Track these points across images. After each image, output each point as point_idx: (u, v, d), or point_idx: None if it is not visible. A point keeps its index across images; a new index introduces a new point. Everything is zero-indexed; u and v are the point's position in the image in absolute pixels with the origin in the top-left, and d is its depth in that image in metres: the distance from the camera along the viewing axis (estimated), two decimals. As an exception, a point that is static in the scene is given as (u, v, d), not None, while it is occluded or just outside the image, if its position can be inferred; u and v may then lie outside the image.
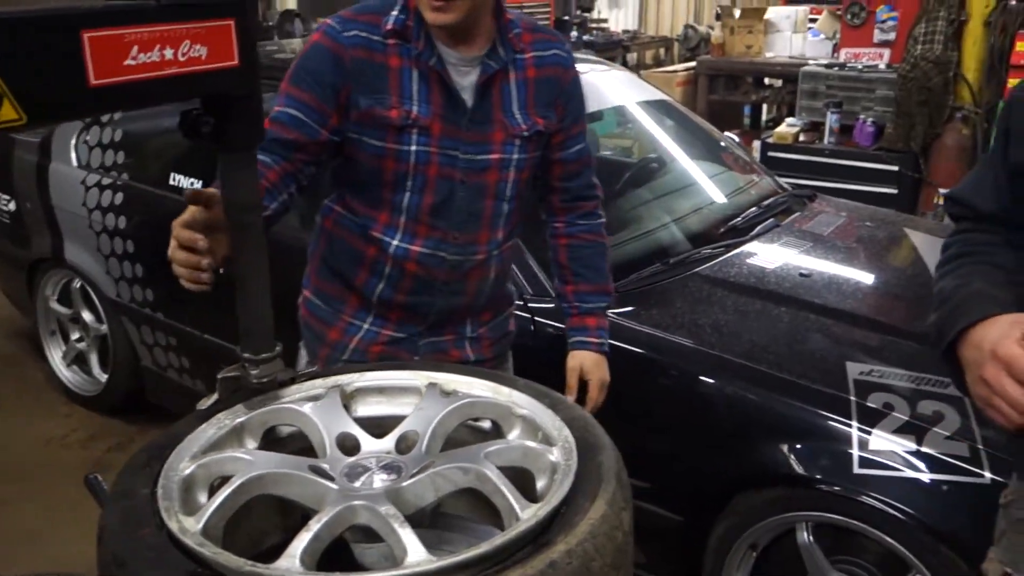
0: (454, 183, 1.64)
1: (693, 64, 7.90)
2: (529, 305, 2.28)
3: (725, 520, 2.07)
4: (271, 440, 1.25)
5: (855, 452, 1.89)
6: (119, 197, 3.15)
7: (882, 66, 5.47)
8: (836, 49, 6.13)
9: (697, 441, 2.11)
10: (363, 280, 1.73)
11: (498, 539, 0.94)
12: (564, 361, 1.92)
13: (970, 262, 1.28)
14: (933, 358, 2.09)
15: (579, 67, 3.19)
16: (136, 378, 3.36)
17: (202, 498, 1.09)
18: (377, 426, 1.24)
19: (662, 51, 11.11)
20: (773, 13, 7.19)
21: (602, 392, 1.92)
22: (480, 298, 1.78)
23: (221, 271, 1.26)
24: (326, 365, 1.70)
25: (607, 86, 3.26)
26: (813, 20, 7.09)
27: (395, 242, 1.67)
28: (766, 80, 7.28)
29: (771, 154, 5.50)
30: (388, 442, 1.20)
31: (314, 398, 1.27)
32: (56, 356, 3.67)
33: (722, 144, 3.51)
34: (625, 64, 9.24)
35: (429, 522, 1.14)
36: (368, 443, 1.20)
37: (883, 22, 5.45)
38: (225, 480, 1.08)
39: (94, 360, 3.55)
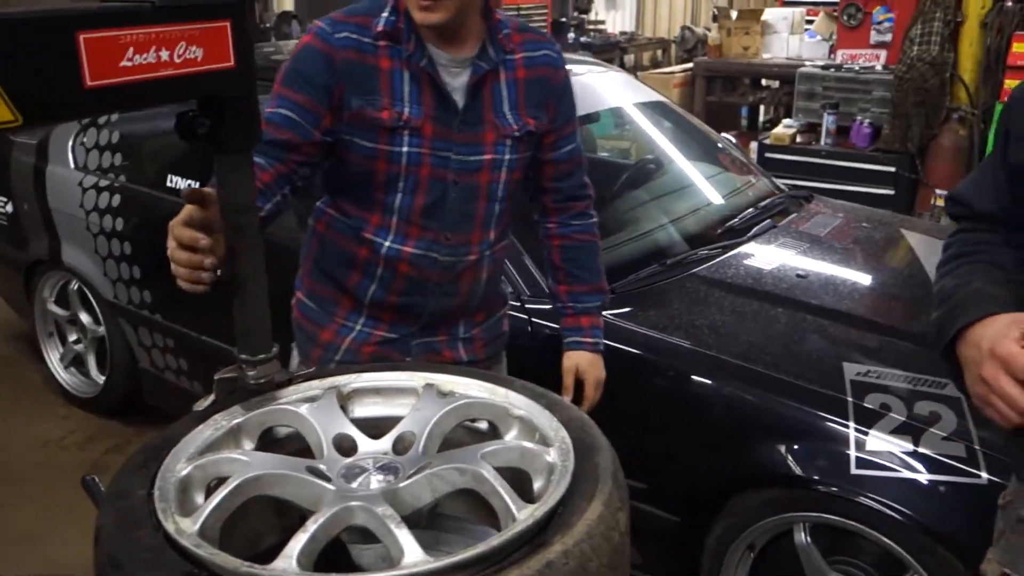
0: (446, 184, 1.64)
1: (690, 66, 7.91)
2: (526, 306, 2.28)
3: (722, 521, 2.07)
4: (268, 441, 1.25)
5: (852, 453, 1.89)
6: (116, 199, 3.15)
7: (879, 67, 5.48)
8: (833, 50, 6.14)
9: (694, 442, 2.12)
10: (355, 281, 1.73)
11: (495, 540, 0.94)
12: (561, 362, 1.93)
13: (970, 262, 1.29)
14: (930, 359, 2.10)
15: (576, 69, 3.24)
16: (134, 380, 3.35)
17: (199, 499, 1.09)
18: (374, 427, 1.24)
19: (659, 53, 11.12)
20: (770, 15, 7.19)
21: (598, 390, 1.93)
22: (473, 299, 1.79)
23: (219, 272, 1.26)
24: (318, 366, 1.70)
25: (604, 88, 3.27)
26: (810, 21, 7.09)
27: (387, 243, 1.68)
28: (763, 81, 7.29)
29: (768, 155, 5.51)
30: (385, 443, 1.20)
31: (311, 399, 1.27)
32: (54, 358, 3.67)
33: (719, 145, 3.51)
34: (622, 66, 9.24)
35: (426, 523, 1.14)
36: (365, 444, 1.20)
37: (879, 23, 5.46)
38: (222, 481, 1.08)
39: (92, 362, 3.55)
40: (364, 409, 1.31)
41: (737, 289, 2.46)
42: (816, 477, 1.92)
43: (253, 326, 1.24)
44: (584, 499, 1.03)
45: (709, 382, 2.11)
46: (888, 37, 5.45)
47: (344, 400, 1.29)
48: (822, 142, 5.47)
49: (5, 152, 3.61)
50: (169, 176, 3.02)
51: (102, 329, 3.39)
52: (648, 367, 2.17)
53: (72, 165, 3.33)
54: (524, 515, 1.00)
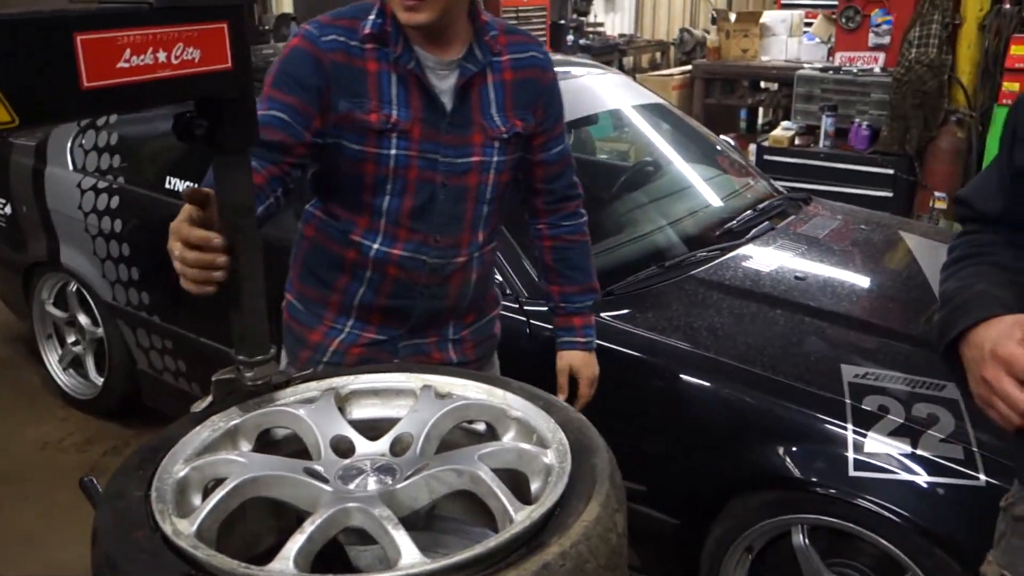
0: (435, 186, 1.64)
1: (689, 68, 7.92)
2: (525, 308, 2.28)
3: (721, 523, 2.07)
4: (265, 442, 1.24)
5: (850, 455, 1.89)
6: (115, 201, 3.15)
7: (877, 70, 5.49)
8: (831, 53, 6.15)
9: (692, 444, 2.12)
10: (344, 284, 1.73)
11: (492, 541, 0.94)
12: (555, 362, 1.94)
13: (974, 263, 1.29)
14: (928, 360, 2.12)
15: (575, 71, 3.24)
16: (132, 381, 3.35)
17: (196, 500, 1.09)
18: (372, 428, 1.24)
19: (658, 55, 11.13)
20: (768, 17, 7.20)
21: (591, 388, 1.96)
22: (462, 301, 1.79)
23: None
24: (306, 367, 1.70)
25: (603, 90, 3.27)
26: (808, 24, 7.10)
27: (375, 246, 1.68)
28: (762, 84, 7.29)
29: (767, 157, 5.51)
30: (382, 444, 1.20)
31: (309, 401, 1.27)
32: (52, 360, 3.67)
33: (718, 148, 3.52)
34: (621, 68, 9.25)
35: (423, 524, 1.14)
36: (363, 445, 1.20)
37: (878, 26, 5.46)
38: (219, 482, 1.08)
39: (90, 364, 3.55)
40: (362, 411, 1.31)
41: (735, 291, 2.46)
42: (814, 479, 1.92)
43: (251, 328, 1.24)
44: (581, 501, 1.03)
45: (707, 384, 2.11)
46: (886, 40, 5.45)
47: (342, 402, 1.29)
48: (820, 144, 5.48)
49: (4, 154, 3.61)
50: (168, 178, 3.02)
51: (101, 331, 3.39)
52: (646, 369, 2.17)
53: (71, 167, 3.34)
54: (521, 516, 1.00)
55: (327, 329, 1.77)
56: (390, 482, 1.09)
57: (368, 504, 1.02)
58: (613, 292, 2.38)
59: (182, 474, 1.09)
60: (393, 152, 1.60)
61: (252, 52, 1.12)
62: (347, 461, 1.15)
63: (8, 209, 3.63)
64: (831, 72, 5.65)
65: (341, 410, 1.26)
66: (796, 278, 2.57)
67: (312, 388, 1.30)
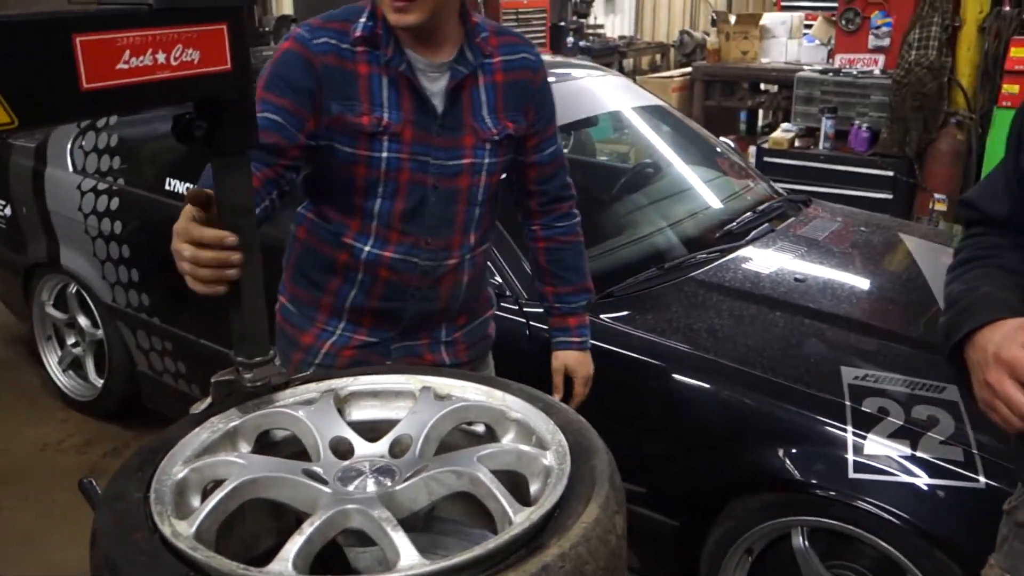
0: (426, 188, 1.64)
1: (689, 70, 7.92)
2: (524, 310, 2.28)
3: (720, 525, 2.07)
4: (265, 444, 1.24)
5: (850, 457, 1.89)
6: (115, 202, 3.15)
7: (877, 72, 5.49)
8: (831, 55, 6.15)
9: (692, 445, 2.11)
10: (336, 286, 1.73)
11: (491, 543, 0.94)
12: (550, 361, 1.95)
13: (980, 266, 1.29)
14: (927, 362, 2.12)
15: (575, 73, 3.25)
16: (132, 383, 3.35)
17: (195, 502, 1.09)
18: (371, 430, 1.24)
19: (658, 57, 11.14)
20: (768, 19, 7.20)
21: (586, 387, 1.98)
22: (454, 303, 1.79)
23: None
24: (298, 369, 1.70)
25: (603, 92, 3.27)
26: (808, 26, 7.11)
27: (367, 248, 1.68)
28: (762, 86, 7.29)
29: (767, 159, 5.51)
30: (382, 446, 1.20)
31: (308, 402, 1.27)
32: (52, 361, 3.67)
33: (717, 149, 3.52)
34: (621, 70, 9.26)
35: (423, 526, 1.14)
36: (362, 447, 1.20)
37: (877, 28, 5.47)
38: (218, 484, 1.08)
39: (90, 365, 3.55)
40: (361, 412, 1.31)
41: (735, 293, 2.46)
42: (814, 481, 1.92)
43: (250, 329, 1.24)
44: (581, 502, 1.03)
45: (707, 386, 2.11)
46: (886, 42, 5.46)
47: (341, 403, 1.29)
48: (820, 146, 5.48)
49: (4, 155, 3.61)
50: (168, 179, 3.02)
51: (100, 332, 3.39)
52: (646, 370, 2.17)
53: (71, 168, 3.34)
54: (520, 518, 1.00)
55: (319, 331, 1.77)
56: (389, 484, 1.09)
57: (367, 506, 1.02)
58: (613, 294, 2.38)
59: (181, 475, 1.09)
60: (384, 155, 1.60)
61: (252, 54, 1.12)
62: (346, 463, 1.15)
63: (8, 210, 3.63)
64: (831, 74, 5.66)
65: (340, 412, 1.26)
66: (796, 280, 2.57)
67: (311, 390, 1.30)
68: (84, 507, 1.22)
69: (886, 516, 1.83)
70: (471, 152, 1.66)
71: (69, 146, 3.36)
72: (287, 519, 1.20)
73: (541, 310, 2.20)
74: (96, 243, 3.19)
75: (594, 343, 2.15)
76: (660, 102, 3.56)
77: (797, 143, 5.59)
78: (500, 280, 2.34)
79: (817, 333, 2.31)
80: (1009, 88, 4.75)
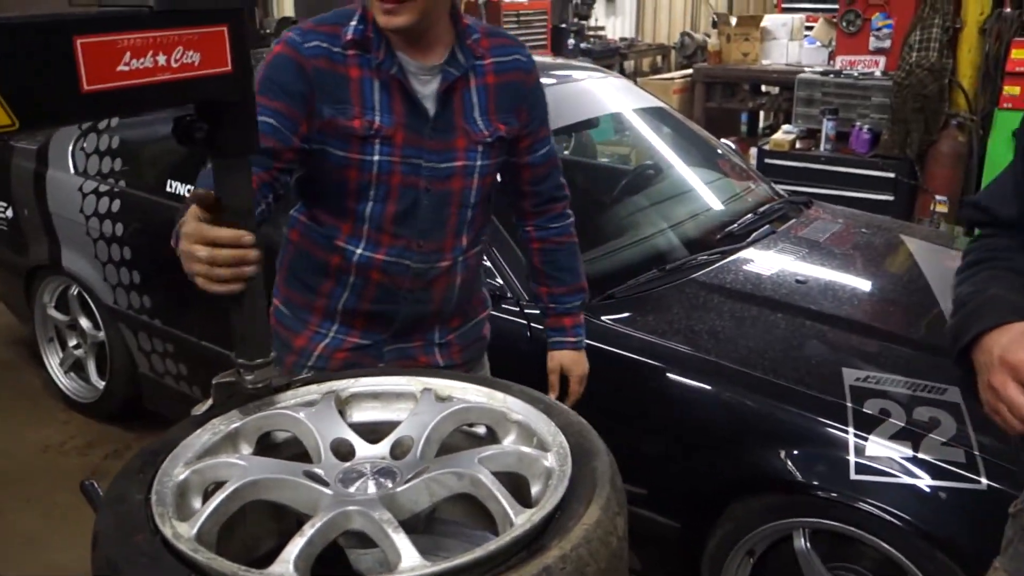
0: (418, 191, 1.64)
1: (690, 72, 7.92)
2: (525, 311, 2.28)
3: (722, 526, 2.07)
4: (266, 446, 1.24)
5: (852, 458, 1.89)
6: (116, 204, 3.15)
7: (878, 73, 5.49)
8: (832, 56, 6.15)
9: (693, 447, 2.11)
10: (328, 289, 1.74)
11: (492, 544, 0.94)
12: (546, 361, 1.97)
13: (988, 268, 1.29)
14: (929, 364, 2.11)
15: (576, 74, 3.25)
16: (133, 385, 3.35)
17: (196, 504, 1.09)
18: (372, 431, 1.24)
19: (659, 59, 11.13)
20: (769, 21, 7.21)
21: (582, 385, 1.99)
22: (447, 305, 1.79)
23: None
24: (292, 372, 1.70)
25: (604, 93, 3.27)
26: (809, 28, 7.11)
27: (359, 251, 1.68)
28: (763, 87, 7.30)
29: (768, 161, 5.50)
30: (383, 447, 1.20)
31: (309, 404, 1.27)
32: (54, 363, 3.67)
33: (718, 151, 3.52)
34: (622, 72, 9.26)
35: (424, 527, 1.14)
36: (363, 448, 1.20)
37: (878, 30, 5.46)
38: (219, 486, 1.08)
39: (92, 367, 3.55)
40: (362, 414, 1.31)
41: (736, 294, 2.46)
42: (816, 483, 1.92)
43: (251, 331, 1.24)
44: (582, 504, 1.03)
45: (708, 387, 2.11)
46: (887, 43, 5.45)
47: (342, 405, 1.29)
48: (821, 148, 5.47)
49: (6, 157, 3.62)
50: (169, 181, 3.02)
51: (102, 334, 3.39)
52: (647, 372, 2.17)
53: (72, 170, 3.34)
54: (521, 520, 1.00)
55: (312, 334, 1.77)
56: (390, 485, 1.09)
57: (368, 507, 1.02)
58: (614, 295, 2.38)
59: (182, 477, 1.09)
60: (376, 158, 1.60)
61: (252, 56, 1.13)
62: (347, 464, 1.15)
63: (10, 212, 3.63)
64: (832, 76, 5.65)
65: (341, 413, 1.27)
66: (797, 281, 2.57)
67: (312, 391, 1.30)
68: (85, 508, 1.23)
69: (887, 517, 1.83)
70: (463, 154, 1.66)
71: (71, 148, 3.37)
72: (288, 521, 1.20)
73: (541, 311, 2.21)
74: (97, 245, 3.19)
75: (595, 344, 2.15)
76: (661, 104, 3.56)
77: (798, 145, 5.59)
78: (501, 281, 2.34)
79: (818, 335, 2.31)
80: (1010, 90, 4.75)
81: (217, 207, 1.19)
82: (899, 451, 1.88)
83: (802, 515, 1.97)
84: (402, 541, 0.97)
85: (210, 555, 0.94)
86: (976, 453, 1.84)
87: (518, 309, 2.29)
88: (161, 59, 0.97)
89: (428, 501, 1.08)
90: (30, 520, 2.90)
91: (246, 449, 1.21)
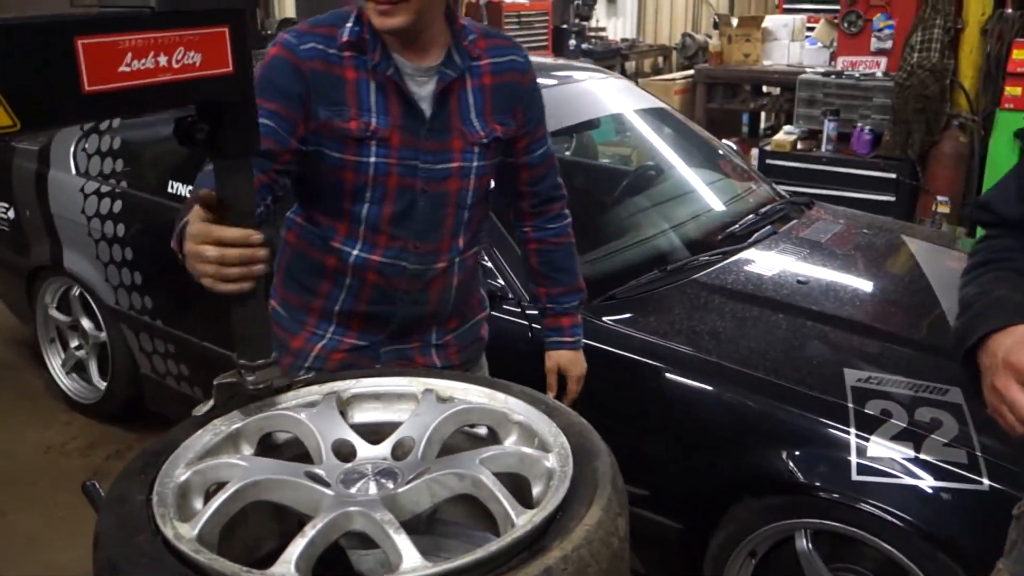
0: (415, 193, 1.64)
1: (691, 72, 7.92)
2: (527, 312, 2.28)
3: (724, 527, 2.06)
4: (267, 446, 1.24)
5: (853, 459, 1.89)
6: (118, 205, 3.15)
7: (879, 74, 5.49)
8: (833, 57, 6.15)
9: (694, 448, 2.11)
10: (325, 290, 1.74)
11: (493, 545, 0.94)
12: (544, 361, 1.97)
13: (994, 269, 1.29)
14: (930, 365, 2.11)
15: (577, 75, 3.25)
16: (135, 386, 3.35)
17: (198, 504, 1.09)
18: (373, 432, 1.24)
19: (660, 60, 11.13)
20: (771, 22, 7.21)
21: (579, 384, 1.99)
22: (444, 306, 1.79)
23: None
24: (288, 373, 1.70)
25: (605, 94, 3.27)
26: (810, 29, 7.11)
27: (355, 252, 1.68)
28: (764, 88, 7.29)
29: (769, 162, 5.50)
30: (384, 448, 1.20)
31: (310, 404, 1.27)
32: (55, 364, 3.67)
33: (720, 152, 3.52)
34: (623, 72, 9.26)
35: (425, 528, 1.14)
36: (364, 449, 1.20)
37: (880, 30, 5.46)
38: (221, 486, 1.08)
39: (93, 368, 3.55)
40: (363, 414, 1.31)
41: (738, 295, 2.46)
42: (817, 484, 1.91)
43: (252, 331, 1.24)
44: (583, 504, 1.03)
45: (709, 388, 2.11)
46: (888, 44, 5.45)
47: (343, 405, 1.29)
48: (823, 149, 5.47)
49: (7, 158, 3.62)
50: (170, 182, 3.03)
51: (103, 335, 3.39)
52: (648, 372, 2.17)
53: (74, 171, 3.34)
54: (523, 520, 0.99)
55: (309, 335, 1.77)
56: (391, 486, 1.09)
57: (370, 508, 1.02)
58: (615, 296, 2.38)
59: (184, 478, 1.09)
60: (373, 160, 1.60)
61: (253, 56, 1.13)
62: (348, 465, 1.15)
63: (11, 213, 3.63)
64: (833, 76, 5.65)
65: (343, 414, 1.26)
66: (798, 282, 2.57)
67: (314, 392, 1.30)
68: (87, 509, 1.23)
69: (889, 518, 1.83)
70: (459, 156, 1.66)
71: (72, 149, 3.37)
72: (289, 521, 1.20)
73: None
74: (99, 246, 3.19)
75: (597, 345, 2.15)
76: (662, 104, 3.56)
77: (799, 145, 5.59)
78: (502, 282, 2.34)
79: (820, 335, 2.31)
80: (1011, 90, 4.75)
81: (219, 207, 1.19)
82: (901, 452, 1.88)
83: (804, 516, 1.96)
84: (403, 542, 0.97)
85: (211, 556, 0.94)
86: (978, 454, 1.84)
87: (519, 310, 2.29)
88: (162, 60, 0.97)
89: (429, 502, 1.08)
90: (31, 520, 2.90)
91: (247, 450, 1.21)
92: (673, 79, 8.33)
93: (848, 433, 1.92)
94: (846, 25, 5.61)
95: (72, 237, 3.31)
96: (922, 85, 4.94)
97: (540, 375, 1.97)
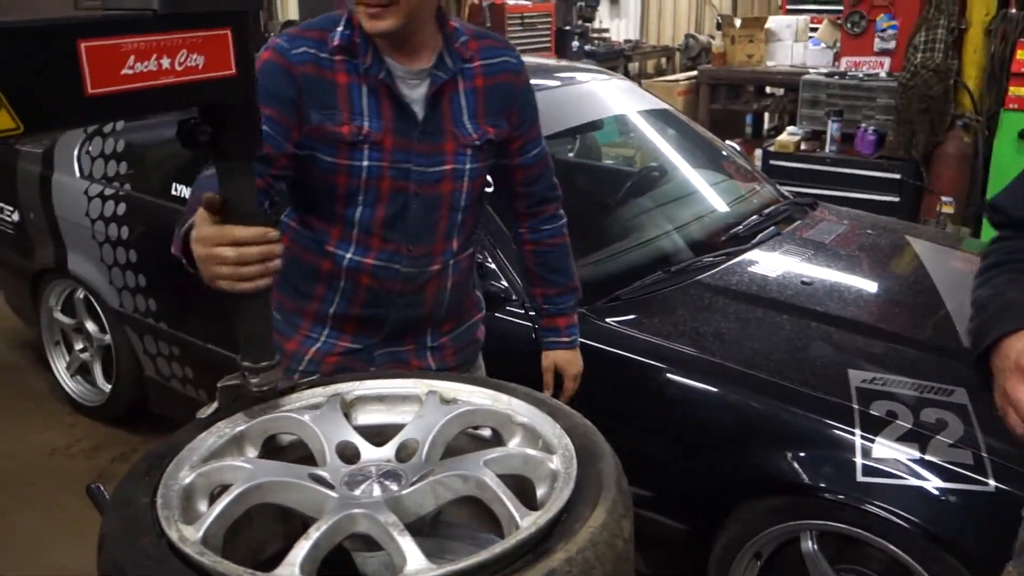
0: (408, 196, 1.64)
1: (694, 73, 7.92)
2: (530, 313, 2.28)
3: (729, 529, 2.06)
4: (271, 449, 1.25)
5: (858, 460, 1.89)
6: (122, 207, 3.16)
7: (883, 74, 5.48)
8: (837, 58, 6.14)
9: (698, 449, 2.11)
10: (319, 294, 1.73)
11: (497, 547, 0.94)
12: (540, 360, 1.98)
13: (1007, 271, 1.29)
14: (935, 365, 2.11)
15: (580, 77, 3.24)
16: (139, 388, 3.36)
17: (202, 507, 1.09)
18: (377, 434, 1.24)
19: (663, 61, 11.13)
20: (774, 22, 7.21)
21: (576, 382, 1.99)
22: (439, 308, 1.78)
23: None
24: (283, 376, 1.70)
25: (608, 96, 3.27)
26: (814, 29, 7.11)
27: (348, 255, 1.68)
28: (767, 89, 7.29)
29: (773, 163, 5.50)
30: (388, 450, 1.20)
31: (314, 407, 1.27)
32: (60, 366, 3.68)
33: (723, 153, 3.51)
34: (626, 74, 9.26)
35: (429, 530, 1.14)
36: (368, 451, 1.20)
37: (883, 31, 5.46)
38: (225, 489, 1.08)
39: (98, 370, 3.56)
40: (367, 416, 1.31)
41: (742, 296, 2.46)
42: (823, 485, 1.91)
43: (256, 334, 1.24)
44: (588, 506, 1.03)
45: (713, 389, 2.11)
46: (892, 44, 5.44)
47: (347, 407, 1.29)
48: (827, 149, 5.47)
49: (11, 161, 3.63)
50: (174, 184, 3.03)
51: (108, 337, 3.40)
52: (652, 373, 2.17)
53: (78, 174, 3.35)
54: (527, 522, 0.99)
55: (303, 338, 1.77)
56: (396, 488, 1.09)
57: (374, 510, 1.02)
58: (619, 297, 2.38)
59: (188, 480, 1.09)
60: (365, 163, 1.60)
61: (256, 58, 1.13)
62: (353, 467, 1.15)
63: (16, 216, 3.64)
64: (837, 77, 5.64)
65: (347, 416, 1.26)
66: (803, 283, 2.56)
67: (318, 394, 1.30)
68: (91, 511, 1.23)
69: (895, 519, 1.82)
70: (452, 158, 1.66)
71: (76, 151, 3.37)
72: (294, 524, 1.20)
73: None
74: (103, 248, 3.20)
75: (600, 346, 2.15)
76: (665, 106, 3.56)
77: (803, 146, 5.58)
78: (505, 283, 2.34)
79: (824, 336, 2.30)
80: (1016, 90, 4.74)
81: (224, 210, 1.19)
82: (906, 453, 1.87)
83: (809, 517, 1.96)
84: (407, 544, 0.97)
85: (216, 558, 0.94)
86: (984, 455, 1.84)
87: (523, 311, 2.28)
88: (165, 62, 0.97)
89: (433, 504, 1.08)
90: (35, 522, 2.91)
91: (251, 452, 1.21)
92: (676, 80, 8.33)
93: (853, 434, 1.92)
94: (849, 25, 5.60)
95: (76, 240, 3.32)
96: (926, 85, 4.93)
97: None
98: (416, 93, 1.61)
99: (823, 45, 6.69)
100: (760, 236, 2.84)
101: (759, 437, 2.02)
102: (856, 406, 1.97)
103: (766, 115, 7.30)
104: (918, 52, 4.98)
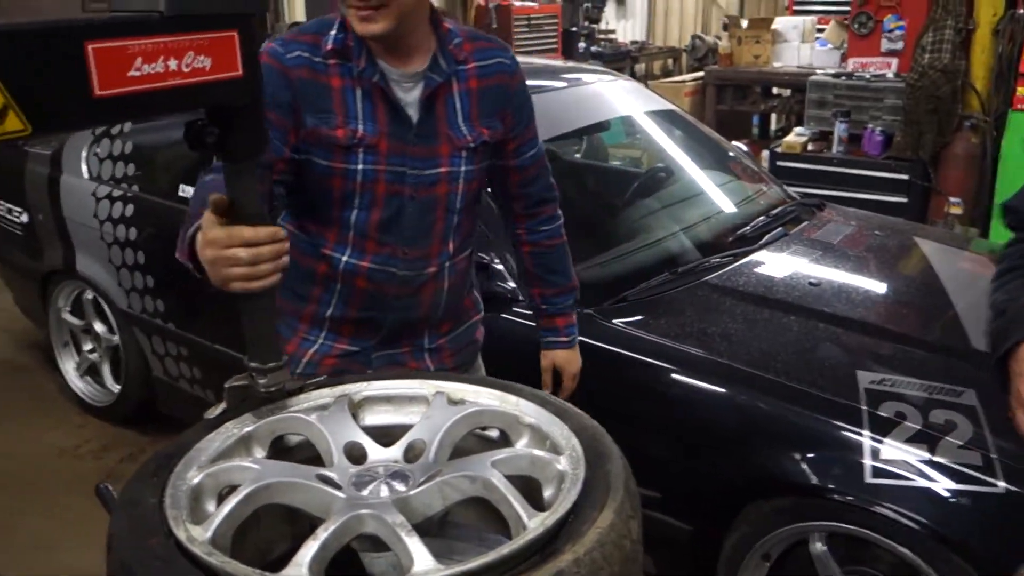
0: (403, 198, 1.64)
1: (701, 74, 7.90)
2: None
3: (737, 530, 2.06)
4: (279, 449, 1.25)
5: (867, 462, 1.88)
6: (130, 209, 3.17)
7: (890, 75, 5.46)
8: (844, 58, 6.13)
9: (706, 450, 2.10)
10: (316, 296, 1.74)
11: (505, 548, 0.94)
12: (540, 360, 2.00)
13: (1022, 275, 1.28)
14: (944, 366, 2.10)
15: (587, 78, 3.24)
16: (148, 388, 3.37)
17: (210, 507, 1.09)
18: (385, 435, 1.23)
19: (670, 62, 11.11)
20: (780, 23, 7.18)
21: (574, 381, 2.01)
22: (436, 310, 1.78)
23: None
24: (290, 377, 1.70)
25: (615, 97, 3.27)
26: (821, 30, 7.08)
27: (344, 258, 1.68)
28: (774, 90, 7.27)
29: (780, 163, 5.48)
30: (396, 451, 1.20)
31: (322, 407, 1.27)
32: (69, 367, 3.69)
33: (730, 154, 3.51)
34: (633, 75, 9.25)
35: (437, 531, 1.14)
36: (376, 452, 1.20)
37: (890, 31, 5.44)
38: (233, 489, 1.08)
39: (106, 371, 3.57)
40: (375, 417, 1.31)
41: (749, 297, 2.45)
42: (831, 486, 1.90)
43: (263, 335, 1.25)
44: (595, 507, 1.02)
45: (721, 390, 2.10)
46: (899, 45, 5.43)
47: (355, 408, 1.29)
48: (834, 150, 5.45)
49: (20, 162, 3.64)
50: (181, 186, 3.04)
51: (116, 338, 3.41)
52: (659, 374, 2.16)
53: (86, 175, 3.36)
54: (535, 523, 0.99)
55: (300, 340, 1.77)
56: (403, 489, 1.09)
57: (381, 511, 1.02)
58: (626, 298, 2.38)
59: (196, 481, 1.09)
60: (360, 167, 1.60)
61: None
62: (360, 467, 1.15)
63: (24, 217, 3.65)
64: (844, 78, 5.63)
65: (354, 416, 1.26)
66: (810, 284, 2.56)
67: (325, 395, 1.30)
68: (99, 512, 1.23)
69: (904, 521, 1.82)
70: (447, 160, 1.65)
71: (84, 153, 3.39)
72: (301, 524, 1.20)
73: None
74: (112, 249, 3.21)
75: (608, 347, 2.15)
76: (672, 106, 3.56)
77: (810, 147, 5.57)
78: (512, 284, 2.34)
79: (832, 337, 2.30)
80: (1023, 91, 4.72)
81: (231, 211, 1.20)
82: (915, 454, 1.86)
83: (817, 519, 1.95)
84: (415, 545, 0.97)
85: (224, 558, 0.94)
86: (993, 456, 1.83)
87: (530, 312, 2.28)
88: (172, 64, 0.97)
89: (441, 504, 1.08)
90: (43, 522, 2.91)
91: (259, 453, 1.21)
92: (683, 81, 8.31)
93: (862, 435, 1.92)
94: (856, 26, 5.59)
95: (85, 241, 3.33)
96: (934, 86, 4.92)
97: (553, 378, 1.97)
98: (410, 96, 1.61)
99: (830, 46, 6.67)
100: (767, 237, 2.83)
101: (767, 438, 2.02)
102: (865, 407, 1.97)
103: (773, 116, 7.28)
104: (925, 53, 4.97)
